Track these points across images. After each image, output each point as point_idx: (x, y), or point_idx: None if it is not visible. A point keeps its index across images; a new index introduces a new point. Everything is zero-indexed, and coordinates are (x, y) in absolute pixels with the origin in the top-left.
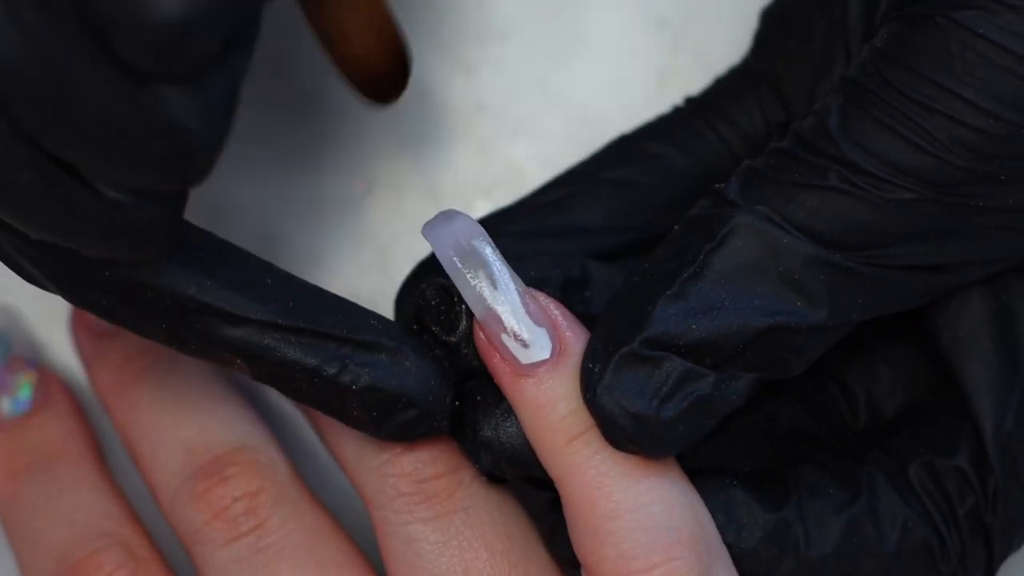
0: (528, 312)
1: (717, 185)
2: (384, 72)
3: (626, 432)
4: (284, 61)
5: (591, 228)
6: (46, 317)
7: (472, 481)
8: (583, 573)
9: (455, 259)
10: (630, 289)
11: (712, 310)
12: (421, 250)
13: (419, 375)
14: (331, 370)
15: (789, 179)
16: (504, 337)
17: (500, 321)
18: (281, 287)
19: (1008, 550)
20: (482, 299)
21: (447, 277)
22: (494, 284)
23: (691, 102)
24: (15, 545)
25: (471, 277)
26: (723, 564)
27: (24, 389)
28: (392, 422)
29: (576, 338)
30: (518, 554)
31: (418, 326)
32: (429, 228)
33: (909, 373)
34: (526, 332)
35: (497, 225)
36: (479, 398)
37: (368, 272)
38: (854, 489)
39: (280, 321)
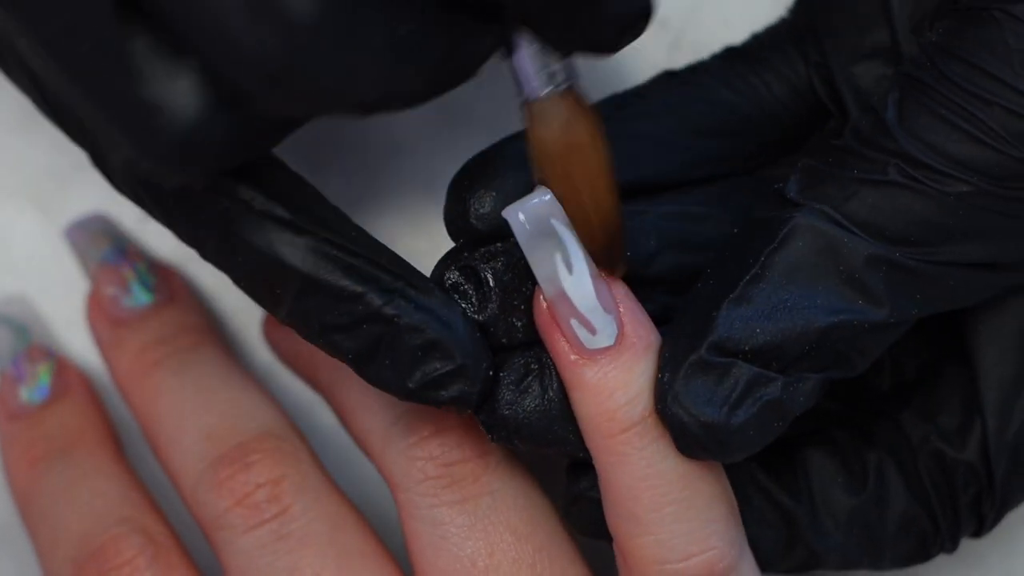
0: (599, 298)
1: (776, 185)
2: (599, 242)
3: (698, 440)
4: None
5: (637, 152)
6: (63, 307)
7: (498, 465)
8: (615, 549)
9: (533, 237)
10: (696, 295)
11: (775, 312)
12: (421, 250)
13: (464, 332)
14: (377, 301)
15: (849, 175)
16: (573, 321)
17: (571, 305)
18: (346, 223)
19: (997, 523)
20: (556, 280)
21: (475, 253)
22: (569, 267)
23: (732, 51)
24: (33, 532)
25: (547, 257)
26: (748, 554)
27: (43, 378)
28: (424, 371)
29: (639, 326)
30: (542, 538)
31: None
32: (509, 206)
33: (932, 335)
34: (595, 319)
35: None
36: (501, 374)
37: None
38: (863, 477)
39: (339, 241)
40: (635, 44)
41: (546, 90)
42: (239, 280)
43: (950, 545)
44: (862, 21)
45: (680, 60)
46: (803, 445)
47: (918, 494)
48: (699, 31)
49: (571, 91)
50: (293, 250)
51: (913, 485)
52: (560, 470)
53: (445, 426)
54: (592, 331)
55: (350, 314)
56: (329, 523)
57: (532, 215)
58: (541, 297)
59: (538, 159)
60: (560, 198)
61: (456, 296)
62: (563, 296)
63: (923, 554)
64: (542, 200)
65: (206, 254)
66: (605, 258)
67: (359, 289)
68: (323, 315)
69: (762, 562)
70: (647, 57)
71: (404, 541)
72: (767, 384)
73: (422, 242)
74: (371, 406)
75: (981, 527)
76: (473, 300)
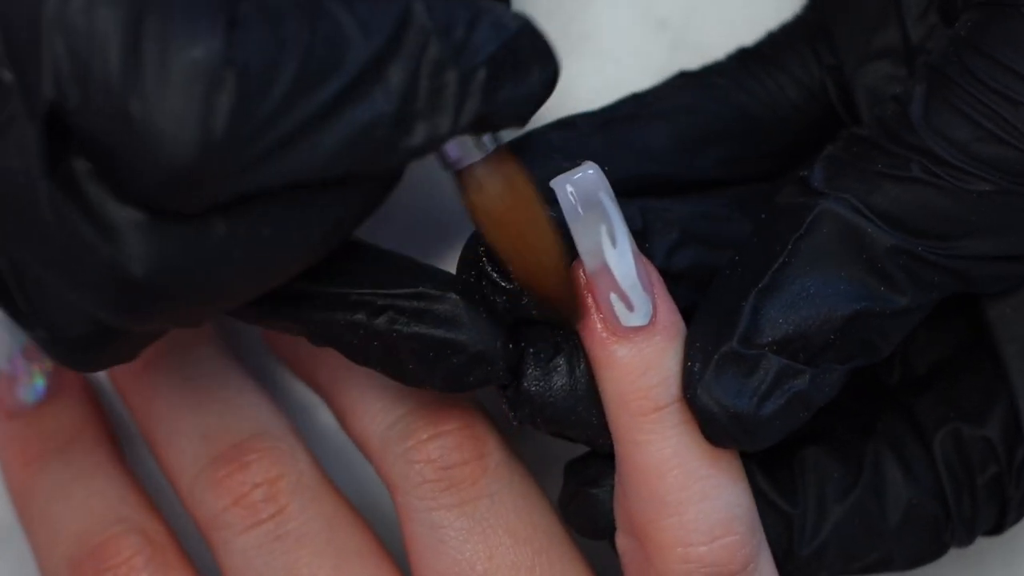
0: (639, 276)
1: (801, 173)
2: (556, 294)
3: (726, 430)
4: None
5: (653, 149)
6: None
7: (497, 468)
8: (623, 538)
9: (579, 208)
10: (723, 283)
11: (799, 301)
12: (421, 250)
13: (465, 321)
14: (379, 323)
15: (872, 168)
16: (612, 296)
17: (613, 279)
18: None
19: (1022, 515)
20: (599, 254)
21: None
22: (613, 241)
23: (745, 52)
24: (30, 532)
25: (592, 230)
26: (767, 546)
27: (39, 377)
28: (443, 368)
29: (670, 312)
30: (542, 541)
31: (476, 272)
32: (556, 177)
33: (944, 330)
34: (634, 296)
35: (567, 132)
36: (530, 350)
37: None
38: (858, 471)
39: (316, 288)
40: (635, 44)
41: (477, 157)
42: None
43: (965, 535)
44: (873, 18)
45: (681, 60)
46: (802, 444)
47: (925, 481)
48: (699, 31)
49: (500, 154)
50: (276, 309)
51: (919, 473)
52: (560, 472)
53: (444, 429)
54: (630, 307)
55: (359, 338)
56: (326, 523)
57: (580, 187)
58: (581, 271)
59: (481, 225)
60: (508, 258)
61: (488, 264)
62: (605, 270)
63: (936, 546)
64: (589, 173)
65: None
66: (566, 309)
67: (350, 317)
68: (339, 341)
69: None
70: (647, 57)
71: (403, 543)
72: (795, 376)
73: (422, 242)
74: (369, 408)
75: (1004, 516)
76: (505, 268)
